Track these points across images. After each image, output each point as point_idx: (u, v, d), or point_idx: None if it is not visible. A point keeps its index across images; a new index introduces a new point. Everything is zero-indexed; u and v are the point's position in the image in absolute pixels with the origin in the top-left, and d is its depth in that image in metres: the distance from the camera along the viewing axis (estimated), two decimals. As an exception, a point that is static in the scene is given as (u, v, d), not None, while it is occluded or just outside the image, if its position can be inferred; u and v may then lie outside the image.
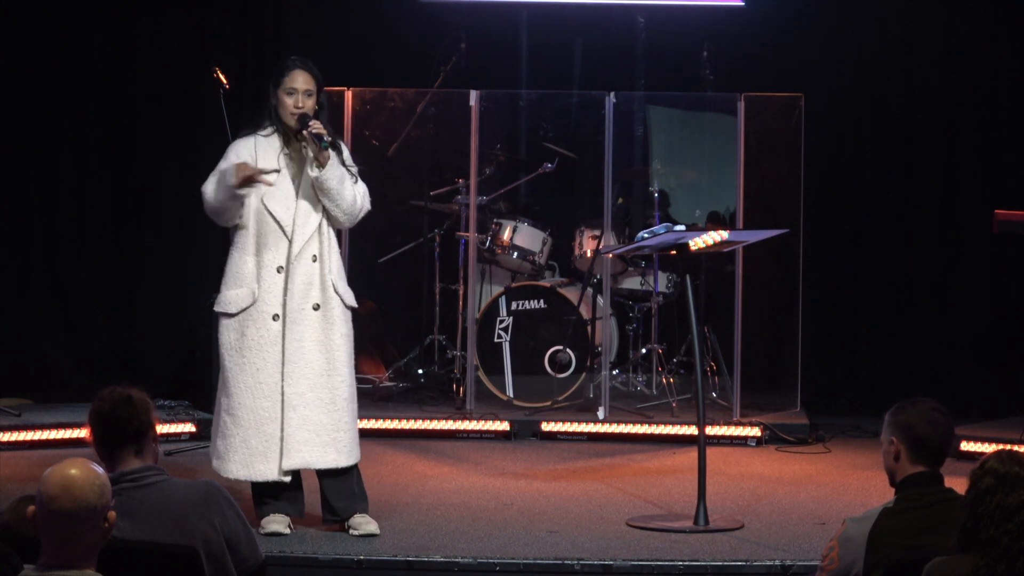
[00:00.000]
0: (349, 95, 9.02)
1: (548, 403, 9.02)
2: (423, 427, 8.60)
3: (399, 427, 8.59)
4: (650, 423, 8.64)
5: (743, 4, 9.76)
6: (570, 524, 6.48)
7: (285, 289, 6.14)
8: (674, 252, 6.74)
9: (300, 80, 6.22)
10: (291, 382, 6.12)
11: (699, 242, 6.64)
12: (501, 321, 9.23)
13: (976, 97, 9.60)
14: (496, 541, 6.11)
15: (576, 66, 10.21)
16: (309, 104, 6.22)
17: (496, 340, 9.22)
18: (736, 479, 7.58)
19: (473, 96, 8.94)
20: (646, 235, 6.61)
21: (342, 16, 9.91)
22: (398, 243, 9.79)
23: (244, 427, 6.13)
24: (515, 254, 9.47)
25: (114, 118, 9.70)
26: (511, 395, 9.16)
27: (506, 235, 9.45)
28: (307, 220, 6.18)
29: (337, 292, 6.21)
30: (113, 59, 9.69)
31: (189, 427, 8.47)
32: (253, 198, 6.14)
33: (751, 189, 8.86)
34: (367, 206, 6.31)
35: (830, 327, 9.71)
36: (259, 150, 6.19)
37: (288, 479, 6.18)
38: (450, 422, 8.68)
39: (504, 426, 8.66)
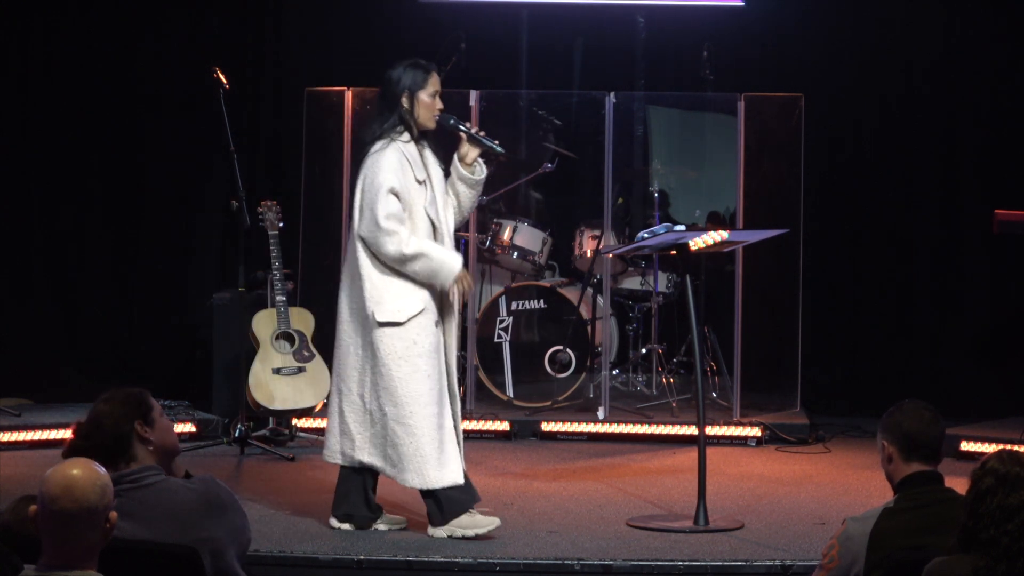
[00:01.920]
0: (349, 95, 9.01)
1: (548, 403, 9.02)
2: (423, 427, 8.58)
3: (399, 427, 8.58)
4: (650, 423, 8.64)
5: (743, 4, 9.75)
6: (570, 524, 6.48)
7: (442, 294, 6.22)
8: (674, 252, 6.74)
9: (439, 82, 6.31)
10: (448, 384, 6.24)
11: (699, 242, 6.64)
12: (501, 321, 9.23)
13: (976, 97, 9.61)
14: (496, 541, 6.11)
15: (576, 66, 10.20)
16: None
17: (496, 340, 9.22)
18: (736, 479, 7.58)
19: (473, 96, 8.93)
20: (646, 235, 6.61)
21: (342, 16, 9.91)
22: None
23: (417, 435, 6.10)
24: (515, 254, 9.47)
25: (114, 118, 9.71)
26: (511, 395, 9.16)
27: (506, 235, 9.45)
28: (449, 223, 6.30)
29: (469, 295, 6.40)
30: (113, 59, 9.70)
31: (189, 427, 8.47)
32: (417, 206, 6.17)
33: (751, 189, 8.86)
34: None
35: (830, 327, 9.71)
36: (413, 157, 6.22)
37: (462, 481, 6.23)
38: (450, 422, 8.67)
39: (504, 426, 8.66)
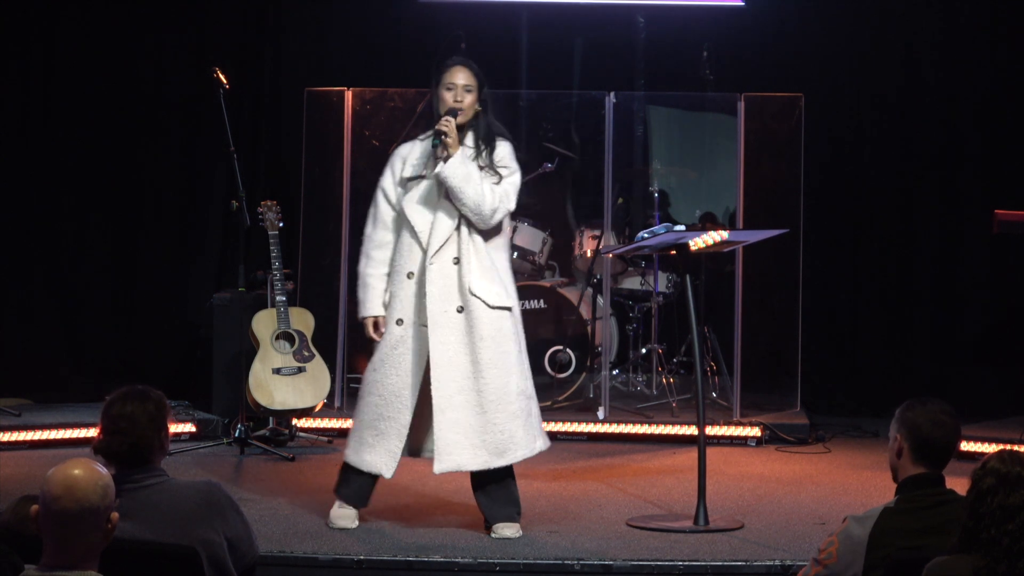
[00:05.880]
0: (349, 95, 9.02)
1: (548, 403, 9.01)
2: (423, 427, 8.58)
3: (399, 427, 8.57)
4: (650, 423, 8.64)
5: (743, 4, 9.76)
6: (570, 524, 6.48)
7: (418, 293, 6.12)
8: (674, 252, 6.74)
9: (460, 76, 6.22)
10: (438, 386, 6.09)
11: (699, 242, 6.64)
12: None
13: (976, 97, 9.61)
14: (496, 541, 6.11)
15: (576, 66, 10.20)
16: (469, 100, 6.20)
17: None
18: (736, 479, 7.58)
19: (472, 96, 8.91)
20: (646, 235, 6.60)
21: (342, 16, 9.91)
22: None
23: (365, 422, 6.20)
24: (515, 254, 9.47)
25: (114, 118, 9.71)
26: (511, 395, 9.13)
27: (506, 235, 9.43)
28: (444, 223, 6.11)
29: (475, 294, 6.10)
30: (113, 59, 9.70)
31: (189, 427, 8.47)
32: (405, 204, 6.17)
33: (751, 189, 8.86)
34: (503, 206, 6.14)
35: (830, 327, 9.72)
36: (412, 154, 6.21)
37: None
38: (450, 422, 8.66)
39: (504, 426, 8.64)
